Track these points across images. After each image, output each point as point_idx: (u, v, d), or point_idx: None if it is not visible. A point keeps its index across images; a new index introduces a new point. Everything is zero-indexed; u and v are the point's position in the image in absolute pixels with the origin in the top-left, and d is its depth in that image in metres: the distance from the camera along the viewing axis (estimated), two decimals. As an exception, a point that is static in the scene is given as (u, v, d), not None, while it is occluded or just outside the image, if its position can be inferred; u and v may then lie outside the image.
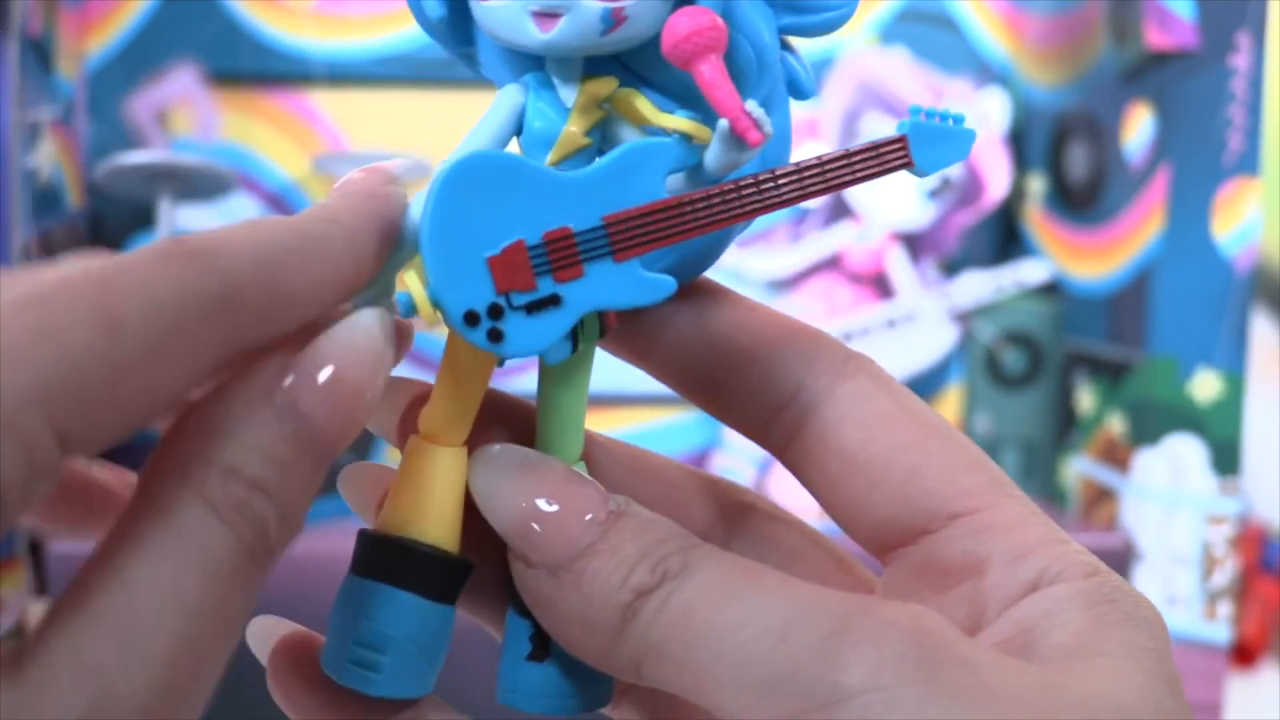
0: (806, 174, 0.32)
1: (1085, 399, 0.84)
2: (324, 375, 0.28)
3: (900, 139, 0.32)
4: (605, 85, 0.33)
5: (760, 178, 0.32)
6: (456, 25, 0.34)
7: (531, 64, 0.35)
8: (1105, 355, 0.82)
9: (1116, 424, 0.80)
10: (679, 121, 0.32)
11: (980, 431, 0.88)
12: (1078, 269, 0.85)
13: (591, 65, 0.33)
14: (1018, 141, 0.90)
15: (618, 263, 0.32)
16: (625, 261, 0.32)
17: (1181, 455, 0.77)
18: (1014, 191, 0.89)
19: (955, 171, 0.86)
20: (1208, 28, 0.74)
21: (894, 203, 0.87)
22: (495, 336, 0.31)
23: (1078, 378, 0.85)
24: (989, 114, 0.86)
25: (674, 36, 0.31)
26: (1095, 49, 0.83)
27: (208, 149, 0.86)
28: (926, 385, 0.90)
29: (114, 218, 0.86)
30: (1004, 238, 0.93)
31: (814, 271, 0.88)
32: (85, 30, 0.86)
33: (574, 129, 0.33)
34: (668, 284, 0.32)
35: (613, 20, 0.32)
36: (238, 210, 0.88)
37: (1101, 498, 0.81)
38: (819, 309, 0.88)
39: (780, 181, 0.32)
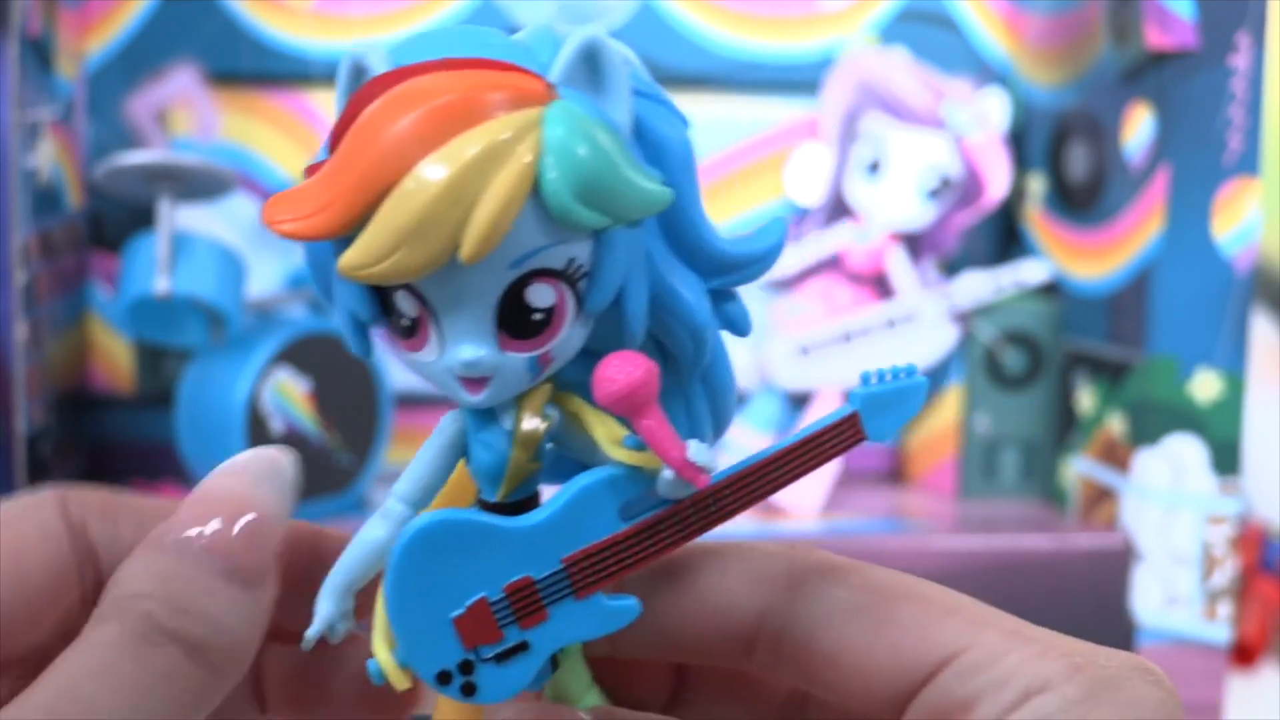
0: (768, 472, 0.32)
1: (1085, 399, 0.84)
2: (241, 523, 0.32)
3: (853, 416, 0.32)
4: (538, 397, 0.33)
5: (719, 488, 0.32)
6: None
7: None
8: (1105, 355, 0.82)
9: (1116, 424, 0.80)
10: (629, 455, 0.32)
11: (980, 431, 0.88)
12: (1078, 269, 0.85)
13: None
14: (1018, 141, 0.90)
15: (580, 599, 0.32)
16: (588, 596, 0.32)
17: (1181, 455, 0.77)
18: (1014, 191, 0.89)
19: (955, 171, 0.86)
20: (1208, 28, 0.74)
21: (894, 203, 0.87)
22: (469, 690, 0.32)
23: (1078, 378, 0.85)
24: (989, 114, 0.86)
25: (609, 395, 0.31)
26: (1095, 49, 0.83)
27: (208, 149, 0.86)
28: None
29: (114, 218, 0.86)
30: (1004, 238, 0.93)
31: (814, 271, 0.88)
32: (85, 30, 0.86)
33: (520, 457, 0.32)
34: (631, 609, 0.32)
35: (540, 366, 0.32)
36: (238, 210, 0.88)
37: (1101, 498, 0.82)
38: (819, 309, 0.88)
39: (740, 490, 0.32)
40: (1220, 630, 0.77)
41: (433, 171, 0.29)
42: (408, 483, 0.33)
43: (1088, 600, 0.77)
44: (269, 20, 0.88)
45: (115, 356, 0.88)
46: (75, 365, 0.86)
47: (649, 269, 0.32)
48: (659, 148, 0.33)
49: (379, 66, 0.31)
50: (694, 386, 0.34)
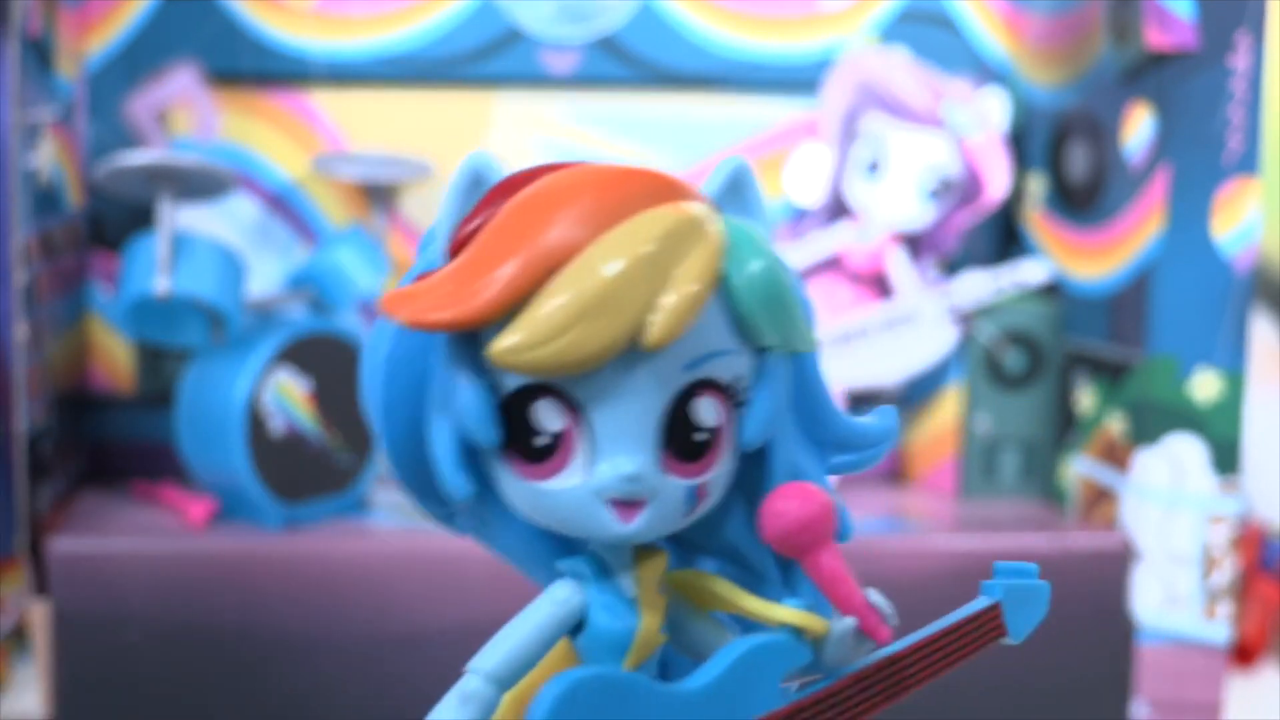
0: (921, 658, 0.30)
1: (1085, 399, 0.84)
2: None
3: (995, 607, 0.31)
4: (658, 563, 0.30)
5: (894, 659, 0.29)
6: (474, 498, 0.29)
7: (559, 541, 0.30)
8: (1105, 355, 0.82)
9: (1116, 424, 0.80)
10: (793, 615, 0.29)
11: (980, 431, 0.88)
12: (1078, 269, 0.85)
13: None
14: (1018, 141, 0.90)
15: None
16: None
17: (1181, 455, 0.77)
18: (1014, 191, 0.89)
19: (955, 171, 0.86)
20: (1207, 28, 0.74)
21: (894, 203, 0.87)
22: None
23: (1078, 378, 0.85)
24: (989, 114, 0.86)
25: (787, 525, 0.28)
26: (1095, 49, 0.83)
27: (208, 149, 0.86)
28: (926, 385, 0.90)
29: (114, 218, 0.86)
30: (1004, 238, 0.93)
31: (814, 271, 0.88)
32: (85, 30, 0.86)
33: (651, 627, 0.29)
34: None
35: (696, 499, 0.29)
36: (238, 210, 0.88)
37: (1101, 498, 0.82)
38: (819, 309, 0.88)
39: (905, 667, 0.29)
40: (1220, 630, 0.76)
41: (624, 240, 0.26)
42: (496, 658, 0.28)
43: (1088, 600, 0.77)
44: (269, 20, 0.88)
45: (115, 356, 0.88)
46: (75, 365, 0.86)
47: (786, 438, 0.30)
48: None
49: (497, 174, 0.29)
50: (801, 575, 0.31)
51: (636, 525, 0.28)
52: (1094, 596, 0.77)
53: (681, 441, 0.28)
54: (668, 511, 0.28)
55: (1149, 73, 0.78)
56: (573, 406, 0.27)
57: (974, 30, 0.92)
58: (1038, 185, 0.90)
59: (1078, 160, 0.86)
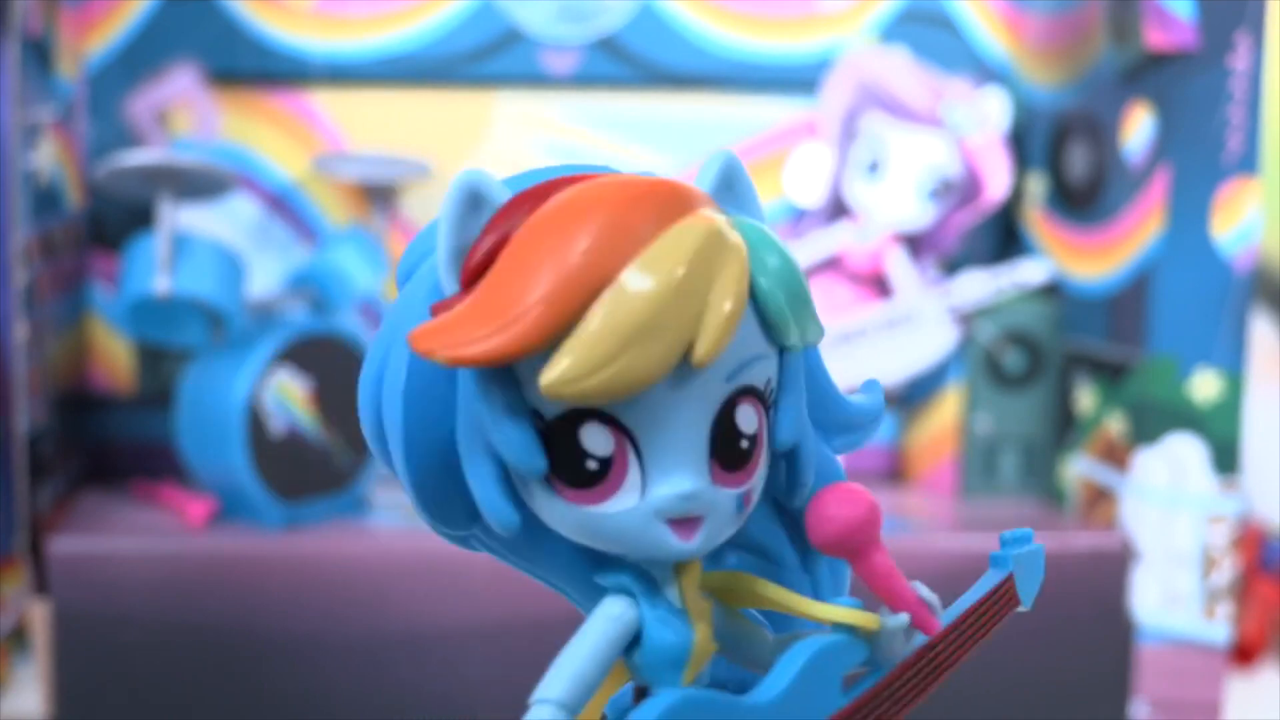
0: (953, 640, 0.30)
1: (1085, 399, 0.84)
2: None
3: (1009, 579, 0.32)
4: (695, 569, 0.29)
5: (918, 657, 0.29)
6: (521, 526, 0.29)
7: (594, 556, 0.29)
8: (1105, 355, 0.82)
9: (1116, 424, 0.80)
10: (849, 614, 0.29)
11: (980, 431, 0.88)
12: (1078, 269, 0.85)
13: None
14: (1018, 141, 0.90)
15: None
16: None
17: (1181, 455, 0.77)
18: (1014, 191, 0.89)
19: (955, 171, 0.86)
20: (1207, 28, 0.74)
21: (894, 203, 0.87)
22: None
23: (1077, 378, 0.85)
24: (989, 114, 0.86)
25: (838, 529, 0.28)
26: (1095, 49, 0.83)
27: (208, 149, 0.86)
28: (926, 385, 0.90)
29: (114, 218, 0.86)
30: (1004, 238, 0.93)
31: (814, 271, 0.88)
32: (85, 30, 0.86)
33: (703, 637, 0.29)
34: None
35: (743, 507, 0.28)
36: (238, 210, 0.88)
37: (1101, 498, 0.82)
38: (819, 309, 0.88)
39: (944, 651, 0.30)
40: (1220, 630, 0.76)
41: (660, 259, 0.26)
42: (563, 683, 0.28)
43: (1087, 600, 0.77)
44: (269, 20, 0.88)
45: (115, 356, 0.88)
46: (75, 365, 0.86)
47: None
48: None
49: (498, 191, 0.27)
50: (819, 560, 0.32)
51: (696, 542, 0.28)
52: (1094, 596, 0.77)
53: (728, 452, 0.28)
54: (722, 523, 0.28)
55: (1149, 73, 0.78)
56: (621, 428, 0.27)
57: (974, 30, 0.92)
58: (1037, 185, 0.90)
59: (1078, 160, 0.86)
